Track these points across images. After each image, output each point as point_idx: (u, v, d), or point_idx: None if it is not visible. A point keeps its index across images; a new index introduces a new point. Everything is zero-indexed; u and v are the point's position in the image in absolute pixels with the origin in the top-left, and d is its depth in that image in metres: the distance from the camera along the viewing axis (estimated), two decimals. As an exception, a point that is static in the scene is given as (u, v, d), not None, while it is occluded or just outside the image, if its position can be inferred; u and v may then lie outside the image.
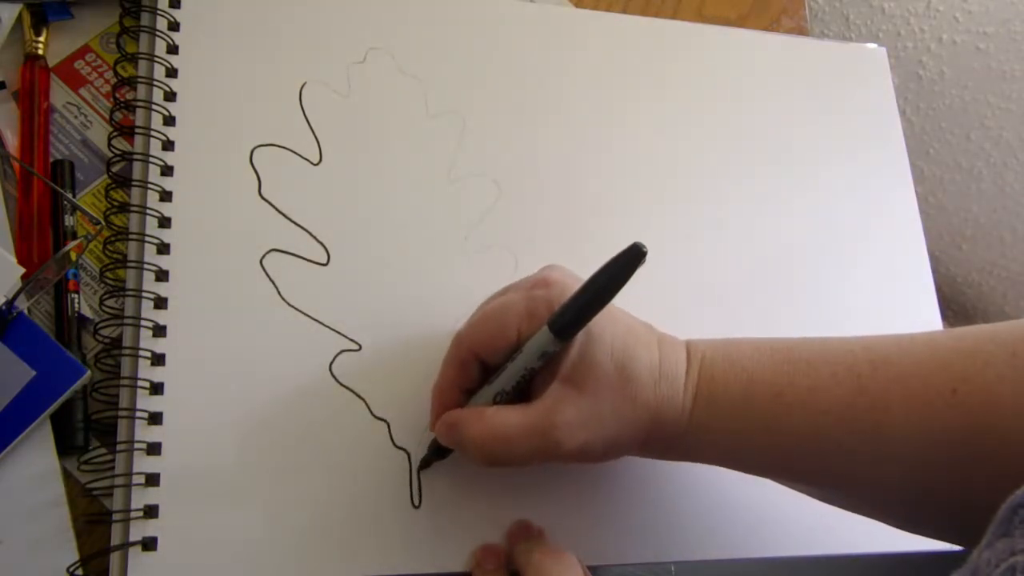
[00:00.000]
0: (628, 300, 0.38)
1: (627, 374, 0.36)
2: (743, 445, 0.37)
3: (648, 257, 0.33)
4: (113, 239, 0.41)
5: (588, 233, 0.49)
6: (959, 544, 0.37)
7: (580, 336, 0.36)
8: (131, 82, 0.44)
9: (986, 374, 0.33)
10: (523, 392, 0.37)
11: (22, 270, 0.38)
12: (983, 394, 0.33)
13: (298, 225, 0.44)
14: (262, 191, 0.44)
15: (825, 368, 0.36)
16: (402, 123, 0.48)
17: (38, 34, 0.44)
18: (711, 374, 0.37)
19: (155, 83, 0.43)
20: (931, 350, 0.35)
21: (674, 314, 0.40)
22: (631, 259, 0.33)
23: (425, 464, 0.41)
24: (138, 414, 0.38)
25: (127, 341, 0.40)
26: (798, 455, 0.36)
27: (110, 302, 0.40)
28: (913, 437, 0.34)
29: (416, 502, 0.41)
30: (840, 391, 0.35)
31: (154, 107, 0.43)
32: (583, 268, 0.36)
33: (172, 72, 0.44)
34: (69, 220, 0.42)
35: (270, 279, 0.43)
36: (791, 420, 0.35)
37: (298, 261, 0.43)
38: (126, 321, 0.40)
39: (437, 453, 0.41)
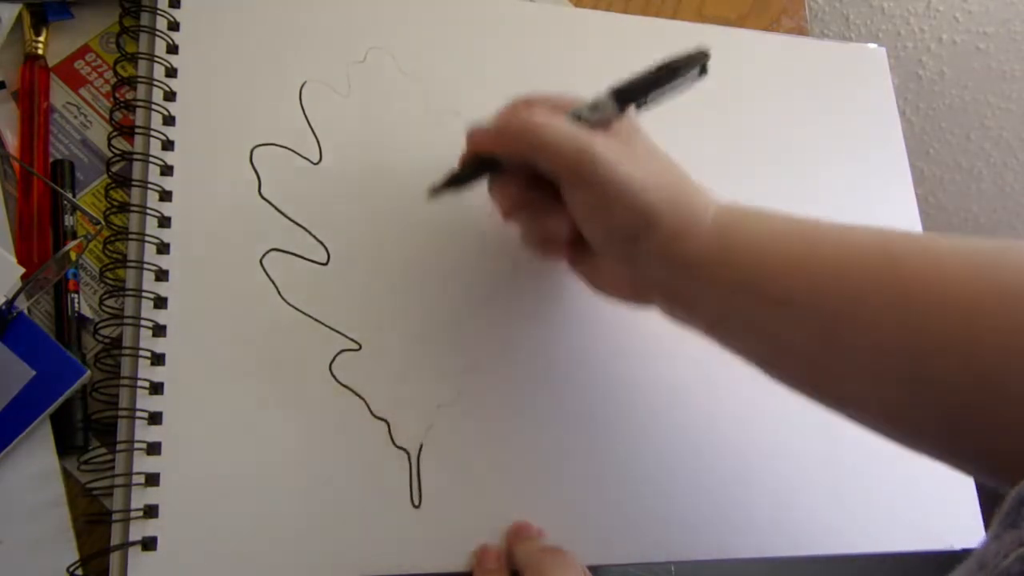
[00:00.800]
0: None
1: (660, 155, 0.39)
2: (752, 291, 0.36)
3: None
4: (113, 239, 0.41)
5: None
6: (991, 482, 0.33)
7: (623, 126, 0.38)
8: (131, 82, 0.44)
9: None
10: None
11: (22, 270, 0.38)
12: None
13: (298, 224, 0.44)
14: (262, 191, 0.44)
15: (854, 239, 0.35)
16: (402, 123, 0.48)
17: (38, 34, 0.44)
18: (729, 220, 0.38)
19: (155, 83, 0.43)
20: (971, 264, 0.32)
21: (674, 314, 0.40)
22: (696, 56, 0.36)
23: (435, 192, 0.40)
24: (138, 414, 0.38)
25: (127, 341, 0.40)
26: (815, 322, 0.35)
27: (110, 302, 0.40)
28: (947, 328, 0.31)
29: (416, 502, 0.41)
30: (870, 261, 0.34)
31: (154, 107, 0.43)
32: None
33: (172, 72, 0.44)
34: (69, 220, 0.42)
35: (270, 279, 0.43)
36: (818, 255, 0.35)
37: (298, 260, 0.43)
38: (126, 321, 0.40)
39: (456, 180, 0.40)
